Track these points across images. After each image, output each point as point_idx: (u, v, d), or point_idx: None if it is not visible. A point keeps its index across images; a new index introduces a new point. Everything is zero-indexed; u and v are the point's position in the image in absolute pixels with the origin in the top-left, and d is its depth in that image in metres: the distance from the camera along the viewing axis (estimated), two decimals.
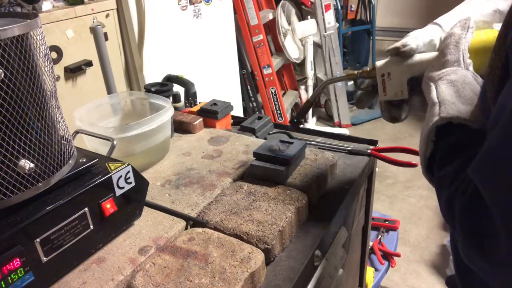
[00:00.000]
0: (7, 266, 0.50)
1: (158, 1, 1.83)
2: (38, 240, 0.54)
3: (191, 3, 2.02)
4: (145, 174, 0.76)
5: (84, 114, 0.88)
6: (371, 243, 1.78)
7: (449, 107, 0.52)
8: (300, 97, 3.27)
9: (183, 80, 1.19)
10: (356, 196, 0.93)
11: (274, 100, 2.82)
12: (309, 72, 2.96)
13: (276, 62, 2.90)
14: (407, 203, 2.37)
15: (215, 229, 0.70)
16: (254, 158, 0.83)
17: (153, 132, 0.86)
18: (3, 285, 0.50)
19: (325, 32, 3.04)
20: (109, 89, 1.25)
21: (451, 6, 0.67)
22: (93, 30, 1.30)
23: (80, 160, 0.64)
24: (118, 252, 0.65)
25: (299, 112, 0.84)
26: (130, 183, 0.67)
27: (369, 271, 1.61)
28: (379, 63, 0.67)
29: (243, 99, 2.73)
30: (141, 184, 0.69)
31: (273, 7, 2.99)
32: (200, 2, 2.07)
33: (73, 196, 0.58)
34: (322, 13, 3.01)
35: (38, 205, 0.56)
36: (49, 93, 0.59)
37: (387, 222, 1.84)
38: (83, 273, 0.61)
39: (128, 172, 0.66)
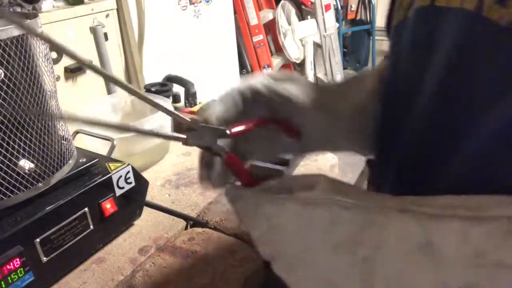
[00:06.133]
0: (7, 266, 0.50)
1: (158, 1, 1.83)
2: (38, 240, 0.54)
3: (191, 3, 2.02)
4: (145, 174, 0.76)
5: (84, 114, 0.88)
6: None
7: None
8: None
9: (183, 80, 1.19)
10: None
11: None
12: (309, 72, 2.96)
13: (276, 62, 2.90)
14: None
15: (215, 229, 0.70)
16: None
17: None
18: (3, 285, 0.50)
19: (325, 32, 3.04)
20: (109, 89, 1.25)
21: None
22: (93, 30, 1.30)
23: (80, 160, 0.64)
24: (118, 252, 0.65)
25: None
26: (130, 183, 0.67)
27: None
28: None
29: None
30: (141, 184, 0.69)
31: (273, 7, 2.99)
32: (200, 2, 2.07)
33: (73, 196, 0.58)
34: (322, 13, 3.01)
35: (38, 205, 0.56)
36: (49, 93, 0.59)
37: None
38: (83, 273, 0.60)
39: (128, 172, 0.66)
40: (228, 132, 0.40)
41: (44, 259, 0.55)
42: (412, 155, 0.39)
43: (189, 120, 0.38)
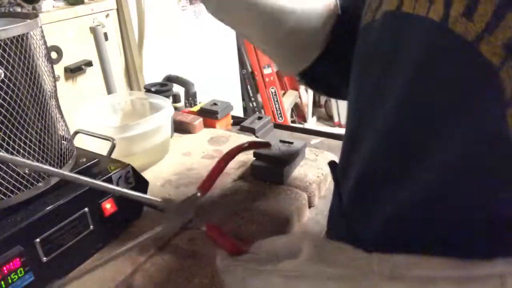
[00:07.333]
0: (7, 266, 0.50)
1: (158, 1, 1.83)
2: (38, 240, 0.54)
3: (191, 3, 2.02)
4: (145, 174, 0.76)
5: (84, 114, 0.88)
6: None
7: None
8: (300, 97, 3.27)
9: (183, 80, 1.19)
10: None
11: (274, 100, 2.82)
12: None
13: None
14: None
15: None
16: (254, 158, 0.83)
17: (153, 132, 0.86)
18: (3, 285, 0.50)
19: None
20: (109, 89, 1.25)
21: None
22: (93, 30, 1.30)
23: (80, 160, 0.64)
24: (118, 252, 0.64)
25: None
26: (130, 183, 0.67)
27: None
28: None
29: (243, 99, 2.73)
30: (141, 184, 0.69)
31: None
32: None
33: (73, 196, 0.58)
34: None
35: (38, 205, 0.56)
36: (49, 93, 0.59)
37: None
38: (83, 273, 0.60)
39: (128, 172, 0.66)
40: (199, 194, 0.42)
41: (44, 259, 0.55)
42: (372, 166, 0.39)
43: (161, 201, 0.40)
